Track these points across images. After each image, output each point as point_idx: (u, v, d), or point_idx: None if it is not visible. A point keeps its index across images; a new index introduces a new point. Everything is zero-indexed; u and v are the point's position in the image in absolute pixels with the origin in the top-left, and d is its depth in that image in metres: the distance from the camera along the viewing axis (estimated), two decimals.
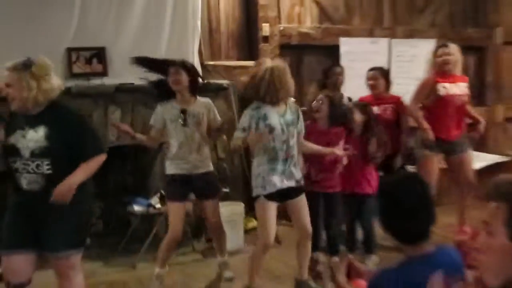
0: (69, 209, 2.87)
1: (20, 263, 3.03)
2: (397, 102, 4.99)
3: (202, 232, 5.09)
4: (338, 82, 5.04)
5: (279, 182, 3.61)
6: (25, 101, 2.82)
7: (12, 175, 2.93)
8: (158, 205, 4.98)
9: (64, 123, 2.88)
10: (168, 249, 4.07)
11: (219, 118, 4.22)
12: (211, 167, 4.22)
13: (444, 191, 5.29)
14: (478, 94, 6.95)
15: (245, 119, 3.65)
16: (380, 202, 2.14)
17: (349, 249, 4.24)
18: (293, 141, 3.68)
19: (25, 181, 2.88)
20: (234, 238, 4.96)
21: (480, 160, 5.85)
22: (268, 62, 3.74)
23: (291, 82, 3.67)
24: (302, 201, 3.77)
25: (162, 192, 5.05)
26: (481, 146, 6.66)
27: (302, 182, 3.78)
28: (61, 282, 3.05)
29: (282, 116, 3.63)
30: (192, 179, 4.07)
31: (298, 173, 3.76)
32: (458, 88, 4.72)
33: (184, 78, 3.94)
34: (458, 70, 4.81)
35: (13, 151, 2.88)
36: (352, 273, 2.38)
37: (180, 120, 3.98)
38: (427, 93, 4.73)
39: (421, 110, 4.81)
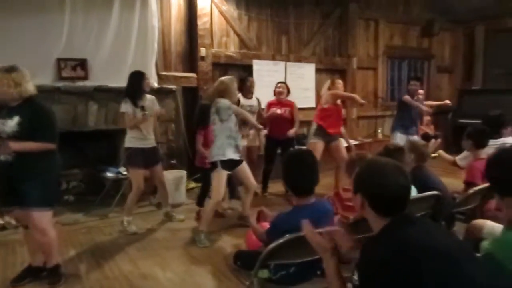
0: (36, 176, 2.72)
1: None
2: (292, 105, 5.08)
3: (156, 191, 4.99)
4: (251, 86, 4.98)
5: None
6: (3, 95, 2.66)
7: None
8: (125, 173, 4.80)
9: (32, 116, 2.67)
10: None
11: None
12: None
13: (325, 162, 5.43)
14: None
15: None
16: (283, 167, 2.17)
17: None
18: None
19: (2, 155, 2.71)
20: (179, 194, 4.93)
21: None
22: (222, 78, 3.75)
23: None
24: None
25: None
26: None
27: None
28: (34, 233, 2.84)
29: None
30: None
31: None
32: None
33: None
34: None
35: None
36: (260, 217, 2.44)
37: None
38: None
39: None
